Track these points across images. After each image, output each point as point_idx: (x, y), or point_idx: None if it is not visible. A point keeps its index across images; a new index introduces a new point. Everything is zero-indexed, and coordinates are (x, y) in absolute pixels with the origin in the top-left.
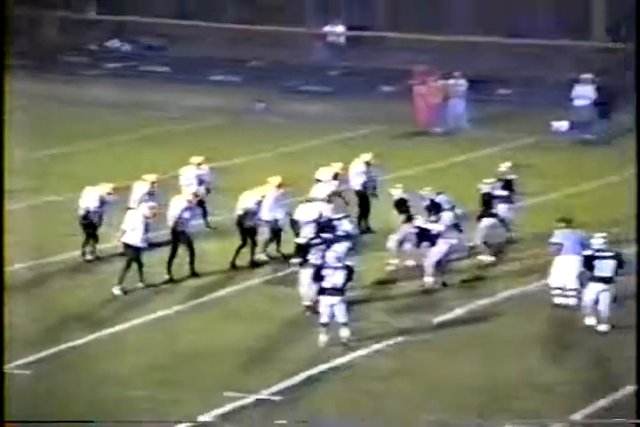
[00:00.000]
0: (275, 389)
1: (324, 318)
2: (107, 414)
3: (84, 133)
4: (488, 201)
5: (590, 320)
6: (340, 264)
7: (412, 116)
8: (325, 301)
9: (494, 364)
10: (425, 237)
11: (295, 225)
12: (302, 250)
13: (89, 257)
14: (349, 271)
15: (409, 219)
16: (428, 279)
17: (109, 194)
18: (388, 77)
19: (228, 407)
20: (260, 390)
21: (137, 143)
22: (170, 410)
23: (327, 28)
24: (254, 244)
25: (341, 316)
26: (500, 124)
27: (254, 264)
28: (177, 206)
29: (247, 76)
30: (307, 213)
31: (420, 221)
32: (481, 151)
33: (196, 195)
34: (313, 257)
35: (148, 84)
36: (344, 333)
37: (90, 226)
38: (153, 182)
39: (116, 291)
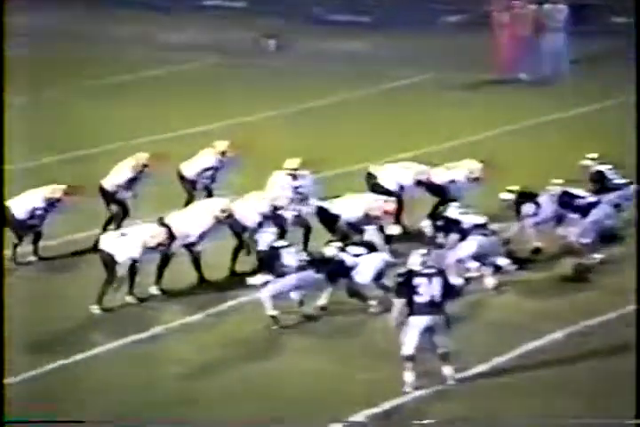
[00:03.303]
0: None
1: (409, 349)
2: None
3: None
4: (601, 180)
5: None
6: (434, 270)
7: (487, 58)
8: (418, 321)
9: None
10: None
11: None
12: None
13: (30, 258)
14: (446, 279)
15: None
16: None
17: (58, 200)
18: (452, 3)
19: None
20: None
21: (99, 96)
22: None
23: None
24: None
25: (441, 343)
26: (614, 67)
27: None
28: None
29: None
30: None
31: (453, 210)
32: (587, 107)
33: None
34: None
35: (118, 13)
36: (447, 370)
37: (29, 229)
38: (223, 152)
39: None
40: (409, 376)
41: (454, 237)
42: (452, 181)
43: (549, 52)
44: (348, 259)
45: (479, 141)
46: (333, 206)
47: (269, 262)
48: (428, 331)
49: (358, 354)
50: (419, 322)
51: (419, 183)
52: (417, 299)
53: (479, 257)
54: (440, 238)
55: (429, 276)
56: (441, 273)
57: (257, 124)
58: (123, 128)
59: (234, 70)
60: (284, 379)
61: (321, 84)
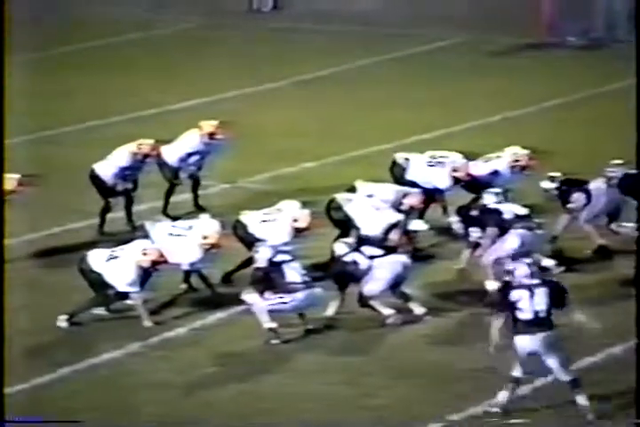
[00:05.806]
0: None
1: (517, 371)
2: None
3: None
4: None
5: None
6: (538, 280)
7: (528, 17)
8: (523, 342)
9: None
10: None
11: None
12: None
13: None
14: (557, 289)
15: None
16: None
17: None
18: None
19: None
20: None
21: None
22: None
23: None
24: None
25: (558, 368)
26: None
27: None
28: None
29: None
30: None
31: (491, 197)
32: None
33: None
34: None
35: None
36: (581, 400)
37: None
38: (211, 133)
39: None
40: (502, 395)
41: (493, 231)
42: (495, 173)
43: (604, 8)
44: (362, 261)
45: (518, 119)
46: (354, 216)
47: (269, 280)
48: (535, 354)
49: (372, 374)
50: (524, 342)
51: (456, 181)
52: (520, 315)
53: (519, 257)
54: (474, 235)
55: (529, 287)
56: (550, 284)
57: (250, 99)
58: (92, 104)
59: (222, 34)
60: (285, 404)
61: (325, 49)
